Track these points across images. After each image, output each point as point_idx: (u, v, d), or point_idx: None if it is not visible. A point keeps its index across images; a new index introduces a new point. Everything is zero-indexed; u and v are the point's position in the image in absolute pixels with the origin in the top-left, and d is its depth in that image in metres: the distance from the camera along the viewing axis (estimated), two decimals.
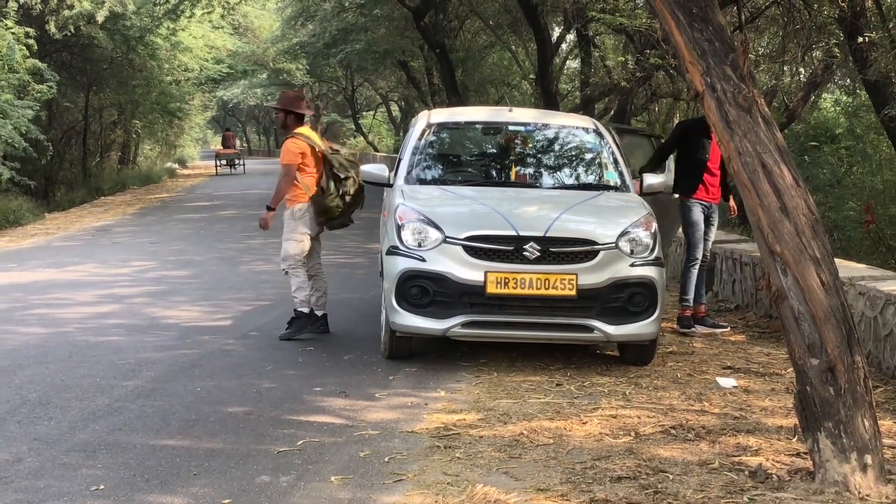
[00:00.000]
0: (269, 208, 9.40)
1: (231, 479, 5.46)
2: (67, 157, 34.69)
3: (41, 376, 7.76)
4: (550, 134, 9.92)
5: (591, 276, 7.86)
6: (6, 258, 16.04)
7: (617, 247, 7.99)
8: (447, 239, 7.94)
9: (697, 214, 9.86)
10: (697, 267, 9.89)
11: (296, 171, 9.26)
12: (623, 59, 22.46)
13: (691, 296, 9.88)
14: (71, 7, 27.29)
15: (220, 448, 6.01)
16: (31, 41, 24.31)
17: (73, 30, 27.90)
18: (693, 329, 9.76)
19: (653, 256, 8.11)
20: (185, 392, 7.34)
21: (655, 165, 10.24)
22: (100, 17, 27.51)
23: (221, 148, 48.82)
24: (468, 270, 7.82)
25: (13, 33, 23.33)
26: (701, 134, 9.81)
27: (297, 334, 9.25)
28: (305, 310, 9.33)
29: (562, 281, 7.80)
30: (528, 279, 7.76)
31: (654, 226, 8.28)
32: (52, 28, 27.32)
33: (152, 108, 39.10)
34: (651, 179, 9.23)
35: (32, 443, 6.07)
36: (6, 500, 5.11)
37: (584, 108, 23.82)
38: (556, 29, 28.24)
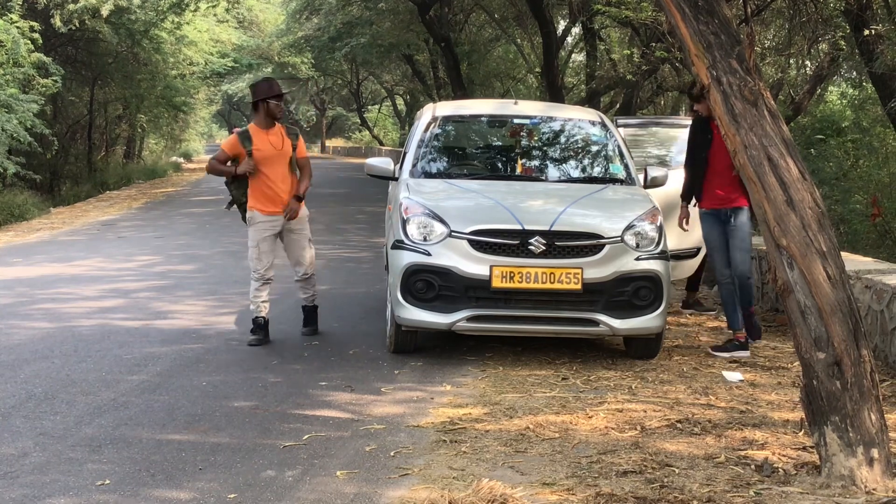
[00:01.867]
0: (302, 198, 9.01)
1: (237, 473, 5.46)
2: (72, 152, 34.78)
3: (46, 371, 7.77)
4: (556, 127, 9.92)
5: (597, 269, 7.85)
6: (12, 253, 16.06)
7: (622, 240, 7.98)
8: (452, 233, 7.93)
9: (707, 229, 8.86)
10: (728, 287, 8.67)
11: None
12: (628, 52, 22.49)
13: (735, 319, 8.67)
14: (76, 1, 27.32)
15: (225, 442, 6.01)
16: (36, 35, 24.35)
17: (77, 24, 27.95)
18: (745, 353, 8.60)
19: (658, 250, 8.09)
20: (191, 386, 7.34)
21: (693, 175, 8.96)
22: (105, 11, 27.56)
23: None
24: (473, 264, 7.82)
25: (18, 27, 23.36)
26: (705, 130, 8.83)
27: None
28: None
29: (567, 275, 7.79)
30: (534, 273, 7.75)
31: (660, 219, 8.26)
32: (57, 22, 27.37)
33: (157, 103, 39.15)
34: (655, 172, 9.20)
35: (38, 437, 6.07)
36: (12, 494, 5.11)
37: (590, 101, 23.84)
38: (562, 22, 28.27)
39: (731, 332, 8.75)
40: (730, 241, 8.73)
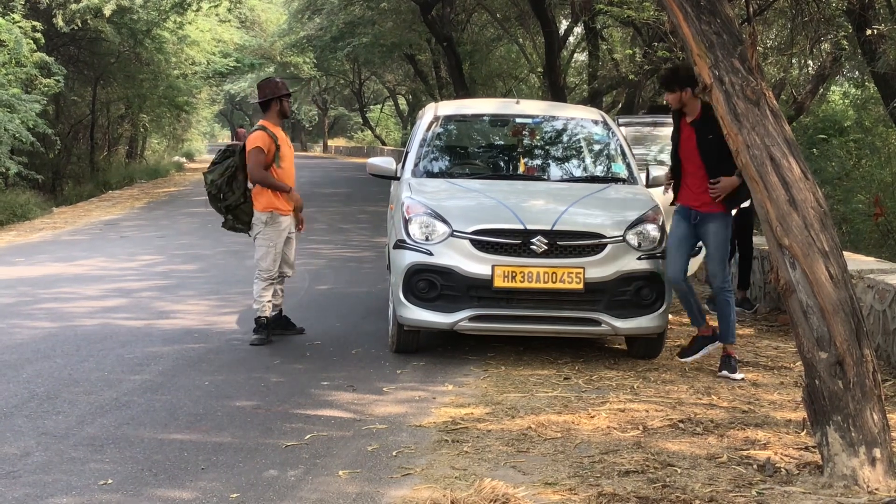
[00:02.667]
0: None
1: (239, 473, 5.46)
2: (75, 152, 34.80)
3: (49, 370, 7.77)
4: (558, 126, 9.91)
5: (599, 269, 7.85)
6: (14, 252, 16.06)
7: (624, 240, 7.97)
8: (454, 233, 7.93)
9: (673, 225, 8.11)
10: (681, 289, 7.97)
11: None
12: (631, 51, 22.46)
13: (695, 316, 8.12)
14: (78, 1, 27.33)
15: (227, 442, 6.01)
16: (39, 35, 24.37)
17: (80, 24, 27.96)
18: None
19: (660, 249, 8.08)
20: (193, 386, 7.34)
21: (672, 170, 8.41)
22: (107, 11, 27.56)
23: (233, 142, 53.17)
24: (475, 264, 7.81)
25: (20, 27, 23.37)
26: (678, 127, 8.18)
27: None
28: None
29: (569, 274, 7.78)
30: (536, 273, 7.75)
31: (662, 219, 8.25)
32: (59, 22, 27.38)
33: (160, 102, 39.13)
34: (656, 171, 9.18)
35: (40, 437, 6.07)
36: (15, 494, 5.11)
37: (592, 101, 23.82)
38: (564, 22, 28.25)
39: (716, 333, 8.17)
40: (705, 250, 8.20)
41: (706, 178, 7.88)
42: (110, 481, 5.31)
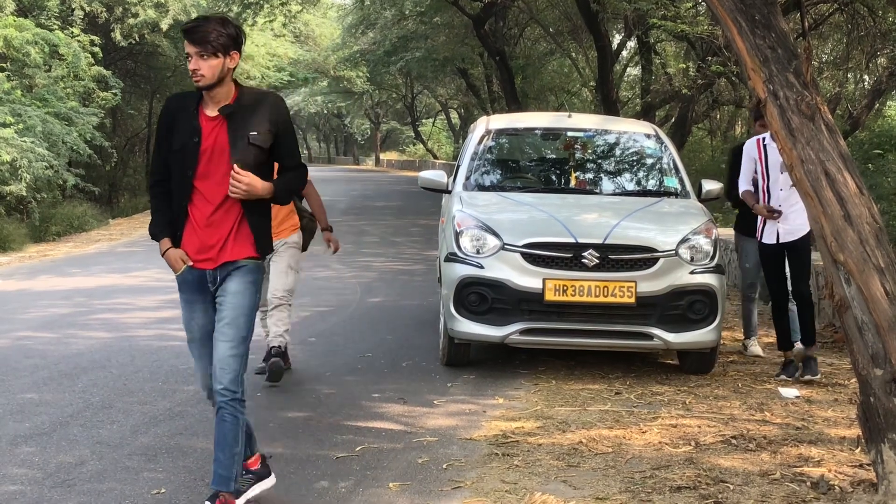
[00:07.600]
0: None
1: (290, 483, 5.49)
2: (131, 164, 35.21)
3: (104, 380, 7.86)
4: (610, 139, 9.88)
5: (651, 283, 7.81)
6: (71, 263, 16.27)
7: (677, 254, 7.93)
8: (505, 246, 7.93)
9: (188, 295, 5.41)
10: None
11: None
12: (684, 66, 22.37)
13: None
14: (136, 15, 27.68)
15: (279, 453, 6.04)
16: (97, 49, 24.71)
17: (137, 38, 28.31)
18: None
19: (713, 264, 8.04)
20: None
21: None
22: (164, 26, 27.89)
23: None
24: (526, 277, 7.81)
25: (79, 41, 23.70)
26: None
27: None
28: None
29: (621, 288, 7.76)
30: (587, 286, 7.73)
31: (715, 233, 8.21)
32: (117, 36, 27.74)
33: None
34: (709, 185, 9.12)
35: (95, 446, 6.14)
36: (70, 502, 5.16)
37: (645, 115, 23.72)
38: (617, 36, 28.17)
39: None
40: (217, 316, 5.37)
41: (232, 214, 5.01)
42: (163, 490, 5.35)
